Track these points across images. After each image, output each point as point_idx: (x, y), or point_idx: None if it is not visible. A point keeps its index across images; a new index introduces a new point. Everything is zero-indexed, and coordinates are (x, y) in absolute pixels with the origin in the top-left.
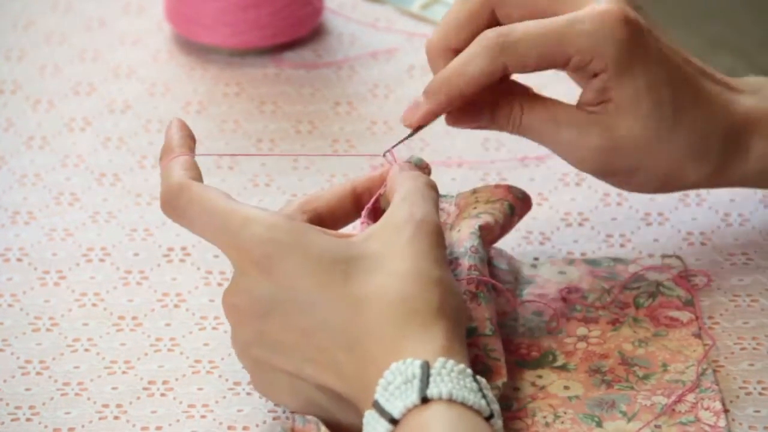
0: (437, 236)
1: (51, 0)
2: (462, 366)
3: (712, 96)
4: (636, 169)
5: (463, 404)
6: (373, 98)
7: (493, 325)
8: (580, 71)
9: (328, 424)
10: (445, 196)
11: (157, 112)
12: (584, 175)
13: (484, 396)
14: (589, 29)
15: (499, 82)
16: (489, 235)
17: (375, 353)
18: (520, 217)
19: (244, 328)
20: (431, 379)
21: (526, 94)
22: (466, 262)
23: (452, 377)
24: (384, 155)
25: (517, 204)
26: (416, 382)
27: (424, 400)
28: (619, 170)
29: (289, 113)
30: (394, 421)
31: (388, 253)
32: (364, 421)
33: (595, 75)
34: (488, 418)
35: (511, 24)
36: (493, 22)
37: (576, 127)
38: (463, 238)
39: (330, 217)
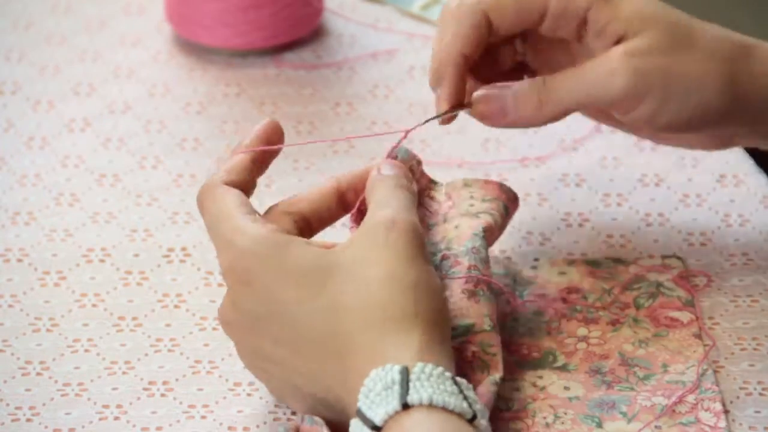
0: (411, 235)
1: (51, 1)
2: (440, 369)
3: (709, 29)
4: (670, 73)
5: (444, 408)
6: (373, 99)
7: (492, 321)
8: (560, 22)
9: (333, 426)
10: (435, 183)
11: (157, 113)
12: (585, 175)
13: (465, 398)
14: None
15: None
16: (490, 236)
17: (356, 362)
18: (512, 216)
19: (241, 343)
20: (411, 384)
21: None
22: (465, 262)
23: (432, 381)
24: (406, 135)
25: (510, 204)
26: (396, 388)
27: (405, 406)
28: (654, 71)
29: (289, 114)
30: (376, 428)
31: (363, 259)
32: (350, 429)
33: (585, 19)
34: (471, 419)
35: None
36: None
37: (599, 58)
38: (464, 236)
39: (315, 218)
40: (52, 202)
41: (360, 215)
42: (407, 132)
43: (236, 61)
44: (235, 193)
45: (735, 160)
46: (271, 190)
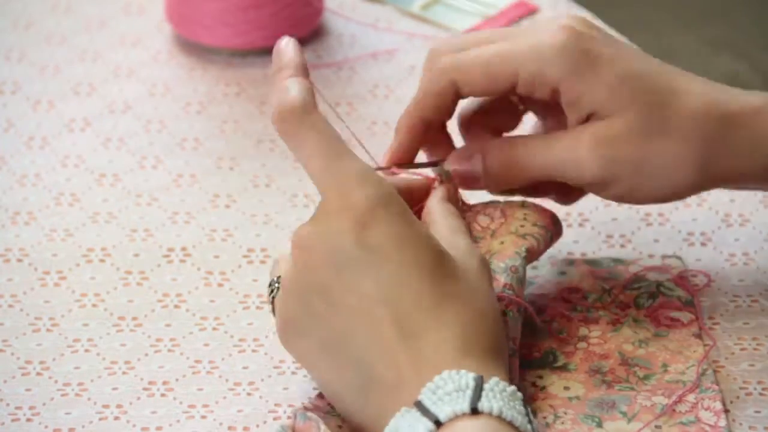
0: (491, 274)
1: (51, 0)
2: (514, 388)
3: (688, 83)
4: (642, 162)
5: (510, 423)
6: (373, 99)
7: (515, 346)
8: (533, 89)
9: (329, 420)
10: (494, 202)
11: (157, 113)
12: None
13: (530, 421)
14: (531, 42)
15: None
16: (530, 258)
17: (435, 353)
18: (551, 246)
19: (311, 273)
20: (483, 393)
21: (514, 137)
22: (502, 280)
23: (504, 396)
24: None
25: (555, 236)
26: (468, 392)
27: (474, 411)
28: (624, 162)
29: None
30: (438, 424)
31: (466, 269)
32: (398, 415)
33: (557, 90)
34: None
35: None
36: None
37: (568, 135)
38: (506, 253)
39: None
40: (52, 201)
41: None
42: (387, 167)
43: (236, 60)
44: (335, 129)
45: None
46: (271, 189)
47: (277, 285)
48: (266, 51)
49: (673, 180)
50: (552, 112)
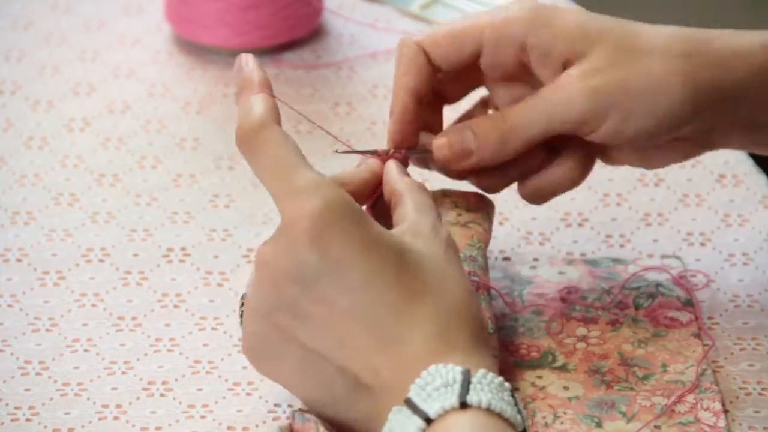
0: (458, 254)
1: (51, 0)
2: (501, 379)
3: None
4: (627, 86)
5: (500, 415)
6: (373, 99)
7: (493, 324)
8: (499, 49)
9: (328, 419)
10: None
11: (156, 113)
12: None
13: (519, 411)
14: (494, 11)
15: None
16: (485, 245)
17: (416, 351)
18: (493, 221)
19: (275, 290)
20: (471, 386)
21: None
22: (465, 267)
23: (492, 388)
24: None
25: (491, 211)
26: (456, 387)
27: (463, 405)
28: (611, 89)
29: (289, 114)
30: (428, 421)
31: (432, 256)
32: (390, 416)
33: (522, 52)
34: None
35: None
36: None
37: (550, 85)
38: (459, 245)
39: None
40: (51, 201)
41: (372, 209)
42: (381, 155)
43: (236, 60)
44: (292, 139)
45: (735, 160)
46: None
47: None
48: (266, 51)
49: (662, 100)
50: (512, 92)
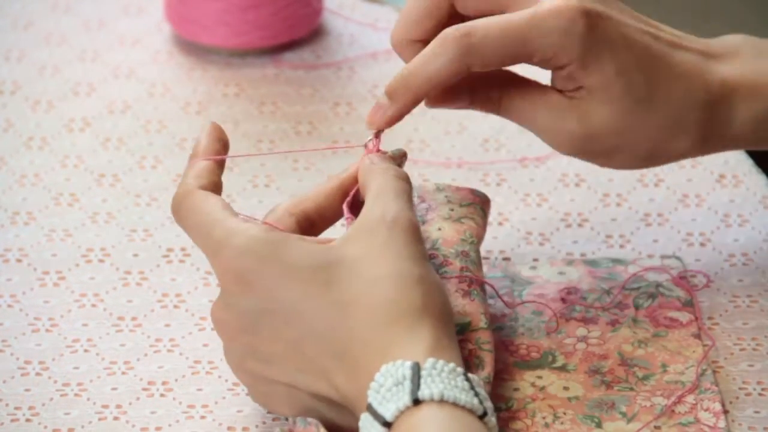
0: (412, 233)
1: (51, 0)
2: (452, 365)
3: (687, 69)
4: (616, 150)
5: (455, 404)
6: (373, 99)
7: (487, 318)
8: (545, 65)
9: (328, 426)
10: None
11: (156, 113)
12: (584, 175)
13: (476, 394)
14: (550, 26)
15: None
16: (478, 238)
17: (364, 358)
18: (488, 217)
19: (234, 342)
20: (422, 380)
21: (505, 75)
22: (457, 263)
23: (443, 377)
24: (365, 146)
25: (485, 206)
26: (407, 384)
27: (416, 401)
28: (598, 153)
29: (289, 114)
30: (387, 424)
31: (366, 256)
32: (360, 424)
33: (562, 67)
34: (482, 416)
35: (472, 22)
36: (453, 11)
37: (553, 111)
38: (451, 240)
39: (319, 217)
40: (51, 202)
41: (356, 206)
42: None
43: (235, 60)
44: (215, 197)
45: (735, 160)
46: (271, 189)
47: None
48: (265, 51)
49: (673, 141)
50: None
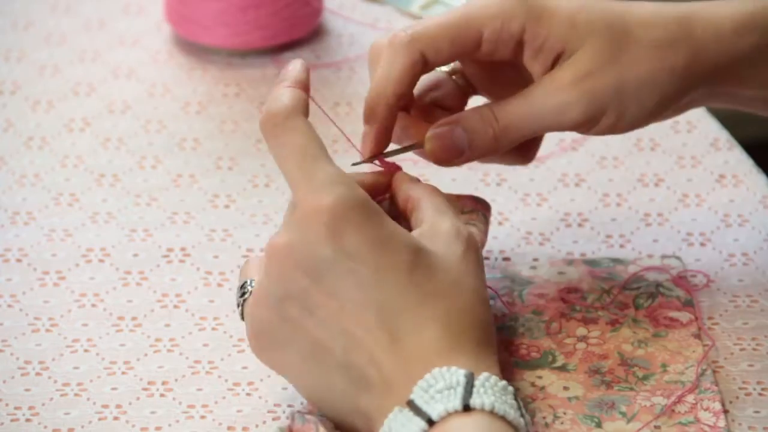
0: (481, 254)
1: (51, 0)
2: (505, 383)
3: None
4: (623, 95)
5: (503, 418)
6: None
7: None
8: (497, 46)
9: (327, 422)
10: None
11: (156, 113)
12: (584, 175)
13: (522, 415)
14: (492, 2)
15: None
16: (481, 246)
17: (422, 352)
18: (490, 223)
19: (287, 280)
20: (474, 389)
21: (489, 102)
22: None
23: (495, 391)
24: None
25: (487, 213)
26: (459, 390)
27: (466, 408)
28: (606, 88)
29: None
30: (431, 422)
31: (448, 260)
32: (390, 415)
33: (522, 43)
34: None
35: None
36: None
37: (543, 84)
38: None
39: None
40: (51, 202)
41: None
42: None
43: (235, 60)
44: (318, 136)
45: (735, 160)
46: (270, 189)
47: (250, 288)
48: (265, 51)
49: (655, 92)
50: (500, 82)
